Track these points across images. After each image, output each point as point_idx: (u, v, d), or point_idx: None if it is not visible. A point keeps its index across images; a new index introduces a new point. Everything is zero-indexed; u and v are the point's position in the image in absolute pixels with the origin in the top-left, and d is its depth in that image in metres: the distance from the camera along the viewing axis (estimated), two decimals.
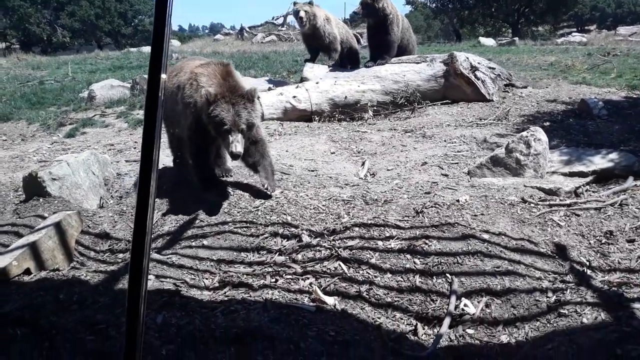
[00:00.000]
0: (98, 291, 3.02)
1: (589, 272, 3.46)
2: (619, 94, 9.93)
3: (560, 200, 4.46)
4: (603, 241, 3.88)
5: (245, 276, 3.30)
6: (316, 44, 10.11)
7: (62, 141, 8.65)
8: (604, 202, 4.45)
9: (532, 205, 4.32)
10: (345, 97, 8.92)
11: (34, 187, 4.78)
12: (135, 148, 7.59)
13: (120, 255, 3.98)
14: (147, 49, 23.46)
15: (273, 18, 29.81)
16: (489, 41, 22.46)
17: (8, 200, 5.27)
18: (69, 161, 4.97)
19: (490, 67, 9.89)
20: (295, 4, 9.86)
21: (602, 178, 5.26)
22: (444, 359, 2.63)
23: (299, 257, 3.51)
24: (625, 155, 5.61)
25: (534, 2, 31.40)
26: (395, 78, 9.29)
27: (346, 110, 8.87)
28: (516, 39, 23.24)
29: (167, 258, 3.59)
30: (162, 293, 3.00)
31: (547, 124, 7.53)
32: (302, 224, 4.04)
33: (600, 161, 5.47)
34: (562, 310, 2.89)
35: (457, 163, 6.09)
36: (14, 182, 5.86)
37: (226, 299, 3.00)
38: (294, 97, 8.71)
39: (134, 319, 1.56)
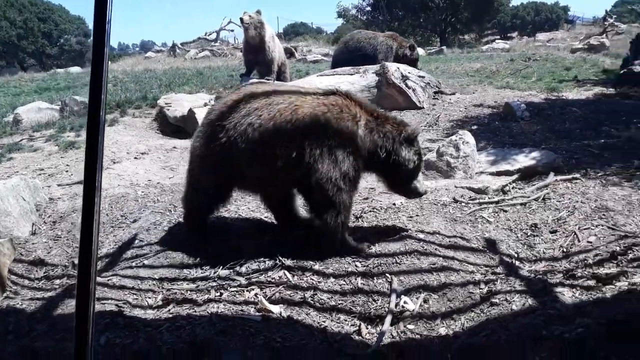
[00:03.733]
0: (35, 319, 2.93)
1: (517, 263, 3.70)
2: (540, 96, 10.60)
3: (489, 198, 4.72)
4: (529, 234, 4.15)
5: (189, 292, 3.30)
6: (257, 57, 10.25)
7: None
8: (529, 197, 4.76)
9: (463, 204, 4.55)
10: None
11: None
12: (67, 171, 7.33)
13: (57, 282, 3.85)
14: (75, 70, 22.66)
15: (206, 34, 29.58)
16: (418, 51, 23.31)
17: None
18: None
19: (420, 76, 10.30)
20: (244, 13, 9.98)
21: (526, 175, 5.61)
22: (387, 355, 2.74)
23: (243, 269, 3.54)
24: (547, 153, 6.01)
25: (459, 11, 32.93)
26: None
27: None
28: (444, 47, 24.26)
29: (108, 280, 3.52)
30: (104, 315, 2.95)
31: (475, 127, 7.94)
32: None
33: (524, 160, 5.83)
34: (493, 300, 3.08)
35: None
36: None
37: (171, 316, 2.99)
38: None
39: (83, 342, 1.56)
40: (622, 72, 11.91)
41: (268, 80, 10.35)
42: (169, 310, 3.10)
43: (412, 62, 11.48)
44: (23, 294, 3.62)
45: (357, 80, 9.65)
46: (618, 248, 3.58)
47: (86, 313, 1.45)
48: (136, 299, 3.30)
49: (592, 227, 3.99)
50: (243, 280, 3.37)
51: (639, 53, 12.11)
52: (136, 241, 4.09)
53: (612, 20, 26.53)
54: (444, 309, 3.13)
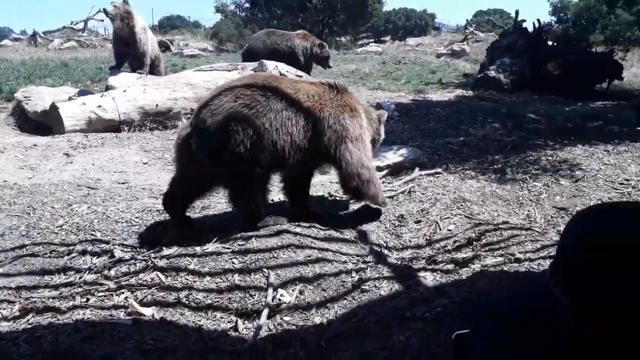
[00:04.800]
0: None
1: (386, 251, 3.95)
2: (408, 97, 11.34)
3: None
4: (396, 224, 4.44)
5: (51, 300, 3.06)
6: (127, 50, 9.73)
7: None
8: (397, 190, 5.09)
9: (337, 198, 4.74)
10: (157, 105, 8.67)
11: None
12: None
13: None
14: None
15: (72, 23, 27.34)
16: (327, 49, 23.64)
17: None
18: None
19: (298, 75, 10.49)
20: (110, 3, 9.37)
21: (395, 171, 5.98)
22: (264, 348, 2.78)
23: (112, 273, 3.36)
24: (413, 150, 6.45)
25: (336, 14, 33.93)
26: (208, 85, 9.30)
27: (158, 119, 8.64)
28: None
29: None
30: None
31: None
32: (114, 239, 3.87)
33: (393, 156, 6.21)
34: (363, 287, 3.26)
35: None
36: None
37: (30, 326, 2.75)
38: (99, 106, 8.19)
39: None
40: (479, 76, 13.15)
41: (141, 73, 9.89)
42: (28, 320, 2.85)
43: (324, 59, 13.25)
44: None
45: (234, 77, 9.57)
46: (473, 234, 3.97)
47: None
48: None
49: (452, 217, 4.37)
50: (112, 284, 3.20)
51: (494, 59, 13.44)
52: None
53: (472, 28, 29.07)
54: (318, 298, 3.24)
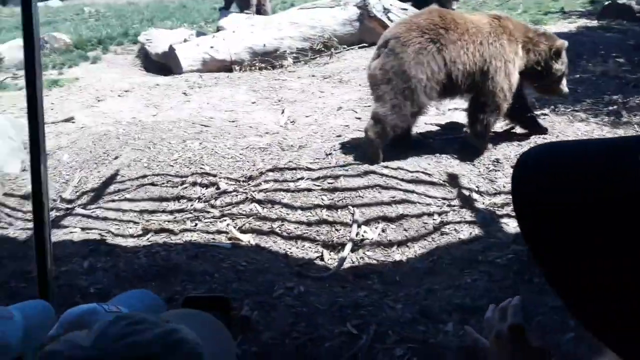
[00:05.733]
0: (28, 245, 3.20)
1: (476, 196, 3.98)
2: None
3: (456, 134, 4.95)
4: (491, 168, 4.41)
5: (166, 223, 3.57)
6: None
7: None
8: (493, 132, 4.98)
9: (430, 140, 4.78)
10: (264, 44, 9.01)
11: None
12: (52, 109, 7.43)
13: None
14: (54, 3, 21.96)
15: None
16: None
17: None
18: None
19: (402, 9, 10.20)
20: None
21: None
22: (345, 277, 3.05)
23: (217, 202, 3.80)
24: None
25: None
26: (312, 23, 9.43)
27: (266, 59, 8.99)
28: None
29: (92, 212, 3.79)
30: (88, 242, 3.24)
31: None
32: (220, 172, 4.31)
33: None
34: (444, 230, 3.38)
35: (370, 106, 6.46)
36: None
37: (149, 243, 3.27)
38: (212, 47, 8.71)
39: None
40: (606, 3, 11.82)
41: (248, 14, 10.22)
42: (148, 238, 3.38)
43: None
44: (16, 225, 3.88)
45: (338, 14, 9.57)
46: None
47: (43, 242, 1.72)
48: (118, 229, 3.58)
49: None
50: (216, 212, 3.64)
51: None
52: (118, 177, 4.32)
53: None
54: (399, 237, 3.43)
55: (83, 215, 3.75)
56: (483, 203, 3.76)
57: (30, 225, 3.86)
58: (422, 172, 4.18)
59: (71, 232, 3.50)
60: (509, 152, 4.56)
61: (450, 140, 4.77)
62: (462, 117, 5.80)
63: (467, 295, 2.51)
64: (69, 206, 4.21)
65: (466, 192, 4.01)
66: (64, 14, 16.69)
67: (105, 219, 3.72)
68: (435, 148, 4.68)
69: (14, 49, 10.68)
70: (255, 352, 2.26)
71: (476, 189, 4.12)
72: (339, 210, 3.62)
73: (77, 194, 4.40)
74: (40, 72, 1.66)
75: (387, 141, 4.22)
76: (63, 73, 9.24)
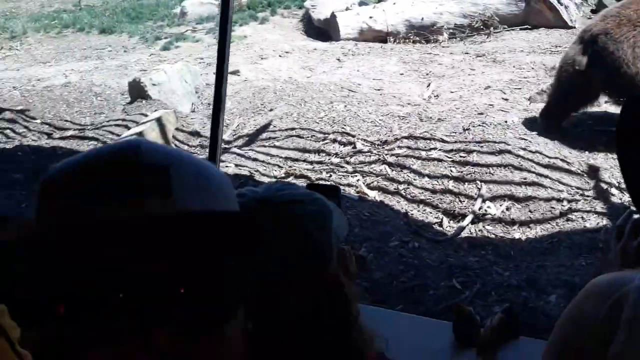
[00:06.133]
0: None
1: (615, 191, 3.81)
2: None
3: (605, 127, 4.69)
4: None
5: (306, 170, 4.00)
6: None
7: (159, 53, 9.57)
8: None
9: (579, 129, 4.60)
10: (422, 18, 9.04)
11: (138, 91, 5.67)
12: None
13: (208, 150, 4.80)
14: None
15: None
16: None
17: (117, 102, 6.27)
18: (165, 70, 5.79)
19: None
20: None
21: None
22: (460, 245, 3.21)
23: (352, 160, 4.14)
24: None
25: None
26: (475, 0, 9.22)
27: (421, 32, 9.02)
28: None
29: (245, 152, 4.36)
30: (239, 177, 3.78)
31: None
32: (359, 134, 4.62)
33: None
34: (570, 216, 3.34)
35: (520, 89, 6.29)
36: (120, 86, 6.84)
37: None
38: (371, 17, 8.97)
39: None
40: None
41: None
42: (288, 180, 3.83)
43: None
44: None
45: None
46: None
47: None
48: (265, 169, 4.10)
49: None
50: (350, 168, 3.98)
51: None
52: (270, 126, 4.86)
53: None
54: (523, 217, 3.46)
55: (238, 154, 4.33)
56: (620, 199, 3.61)
57: (196, 152, 4.57)
58: (561, 159, 4.09)
59: (227, 167, 4.08)
60: None
61: (599, 132, 4.55)
62: (614, 109, 5.43)
63: (577, 275, 2.54)
64: (227, 146, 4.85)
65: (604, 186, 3.86)
66: None
67: (255, 159, 4.26)
68: (582, 138, 4.51)
69: (195, 5, 11.99)
70: (366, 287, 2.56)
71: (617, 184, 3.93)
72: (466, 183, 3.74)
73: (235, 136, 5.03)
74: (230, 31, 2.06)
75: None
76: (234, 30, 10.17)
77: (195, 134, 5.10)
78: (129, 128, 4.97)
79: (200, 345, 0.45)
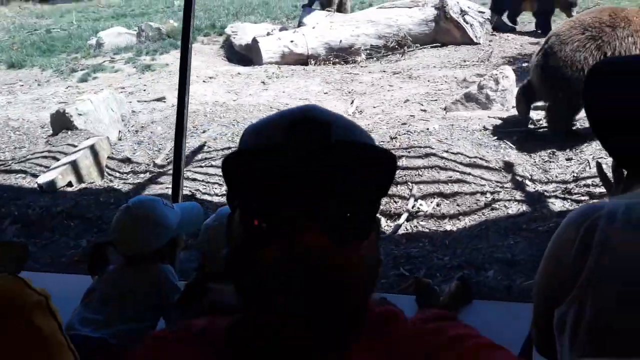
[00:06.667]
0: (130, 195, 3.82)
1: (529, 183, 4.23)
2: None
3: (517, 128, 5.17)
4: (546, 159, 4.62)
5: None
6: None
7: (76, 85, 9.30)
8: None
9: (491, 132, 5.04)
10: (340, 40, 9.46)
11: (62, 122, 5.52)
12: (144, 90, 8.25)
13: (142, 175, 4.77)
14: None
15: None
16: None
17: (37, 135, 6.06)
18: (91, 99, 5.70)
19: (479, 12, 10.33)
20: None
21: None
22: (399, 240, 3.43)
23: None
24: None
25: None
26: (389, 22, 9.78)
27: (340, 54, 9.44)
28: None
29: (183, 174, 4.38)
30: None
31: (525, 64, 8.11)
32: None
33: None
34: (494, 206, 3.68)
35: (436, 100, 6.77)
36: (39, 119, 6.61)
37: None
38: (292, 41, 9.27)
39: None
40: None
41: (329, 11, 10.70)
42: None
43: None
44: (117, 182, 4.55)
45: (415, 14, 9.87)
46: None
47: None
48: (205, 188, 4.14)
49: (605, 157, 4.40)
50: None
51: None
52: (205, 147, 4.92)
53: None
54: (452, 211, 3.76)
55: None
56: (534, 189, 4.01)
57: (130, 181, 4.53)
58: (480, 158, 4.47)
59: (167, 188, 4.09)
60: (565, 145, 4.73)
61: (510, 133, 5.01)
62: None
63: (509, 252, 2.83)
64: (161, 170, 4.84)
65: (519, 178, 4.26)
66: (156, 6, 17.92)
67: (194, 179, 4.30)
68: (496, 139, 4.95)
69: (112, 36, 11.80)
70: None
71: (529, 177, 4.36)
72: (398, 185, 3.99)
73: (168, 160, 5.02)
74: (190, 62, 2.17)
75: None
76: (155, 59, 10.13)
77: (127, 160, 5.04)
78: (57, 159, 4.84)
79: (350, 250, 0.58)
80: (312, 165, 0.55)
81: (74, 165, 4.19)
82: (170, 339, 0.68)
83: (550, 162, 4.56)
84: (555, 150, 4.67)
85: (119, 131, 6.07)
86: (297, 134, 0.57)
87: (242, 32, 10.37)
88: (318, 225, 0.55)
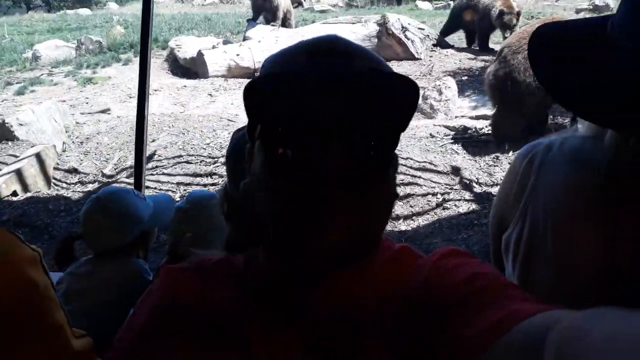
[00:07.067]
0: (81, 203, 3.69)
1: (475, 185, 4.43)
2: None
3: (461, 135, 5.43)
4: (491, 164, 4.87)
5: None
6: (263, 4, 10.76)
7: (13, 98, 8.90)
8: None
9: (438, 139, 5.25)
10: None
11: (1, 132, 5.27)
12: (87, 103, 8.01)
13: (90, 186, 4.62)
14: (84, 12, 22.87)
15: None
16: (425, 5, 23.43)
17: None
18: (33, 109, 5.48)
19: (419, 28, 10.77)
20: None
21: None
22: None
23: None
24: None
25: None
26: None
27: None
28: (451, 2, 24.27)
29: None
30: None
31: (465, 77, 8.53)
32: None
33: None
34: (445, 205, 3.84)
35: None
36: None
37: None
38: (238, 55, 9.29)
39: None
40: None
41: (274, 26, 10.84)
42: None
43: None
44: (64, 192, 4.39)
45: (358, 30, 10.16)
46: None
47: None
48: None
49: None
50: None
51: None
52: (155, 156, 4.83)
53: None
54: (406, 212, 3.88)
55: (127, 184, 4.24)
56: (481, 190, 4.21)
57: (78, 190, 4.38)
58: (428, 163, 4.65)
59: None
60: (508, 151, 5.02)
61: (456, 140, 5.24)
62: (465, 121, 6.30)
63: (464, 244, 2.97)
64: (110, 180, 4.71)
65: (466, 181, 4.47)
66: (93, 21, 17.45)
67: (147, 187, 4.21)
68: (442, 146, 5.16)
69: (49, 49, 11.39)
70: None
71: (476, 179, 4.58)
72: None
73: (117, 170, 4.90)
74: (149, 73, 2.17)
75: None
76: (97, 72, 9.85)
77: (73, 170, 4.88)
78: None
79: (374, 179, 0.58)
80: (337, 93, 0.55)
81: (19, 173, 4.01)
82: (188, 268, 0.69)
83: (495, 166, 4.81)
84: (498, 155, 4.93)
85: (63, 142, 5.86)
86: (321, 61, 0.59)
87: (186, 45, 10.29)
88: (345, 151, 0.55)
